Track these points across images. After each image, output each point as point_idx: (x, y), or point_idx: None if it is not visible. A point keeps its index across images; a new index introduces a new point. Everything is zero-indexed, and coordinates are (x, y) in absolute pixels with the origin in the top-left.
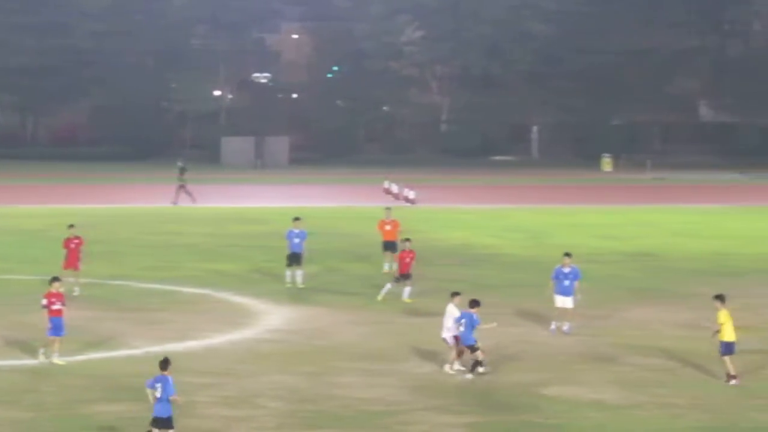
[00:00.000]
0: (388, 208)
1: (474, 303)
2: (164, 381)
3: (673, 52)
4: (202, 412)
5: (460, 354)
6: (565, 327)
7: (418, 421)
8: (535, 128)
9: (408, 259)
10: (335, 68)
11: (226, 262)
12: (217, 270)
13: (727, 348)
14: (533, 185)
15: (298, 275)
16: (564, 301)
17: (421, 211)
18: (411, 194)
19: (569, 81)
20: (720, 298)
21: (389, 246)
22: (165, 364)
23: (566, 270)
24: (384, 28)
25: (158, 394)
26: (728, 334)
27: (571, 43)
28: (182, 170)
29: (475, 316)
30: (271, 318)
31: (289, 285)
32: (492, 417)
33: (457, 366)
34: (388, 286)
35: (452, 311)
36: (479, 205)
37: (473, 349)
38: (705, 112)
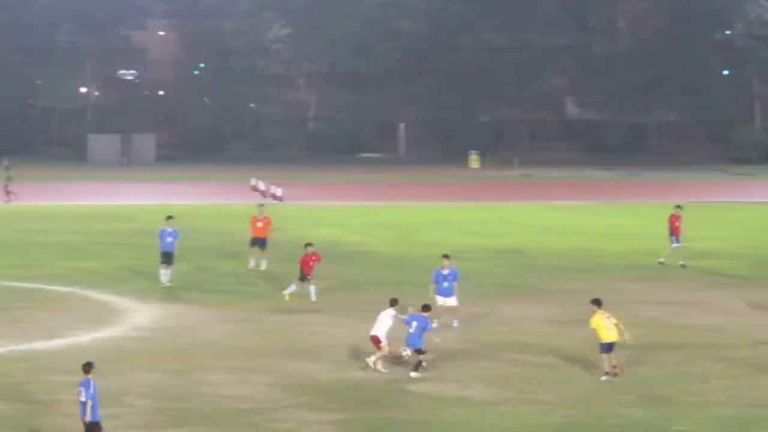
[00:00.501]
0: (260, 205)
1: (426, 308)
2: (87, 385)
3: (540, 50)
4: (68, 410)
5: (391, 355)
6: (455, 324)
7: (286, 419)
8: (402, 125)
9: (312, 262)
10: (202, 65)
11: (93, 260)
12: (83, 268)
13: (606, 347)
14: (401, 182)
15: (167, 274)
16: (446, 301)
17: (289, 209)
18: (278, 191)
19: (436, 78)
20: (596, 302)
21: (258, 242)
22: (88, 367)
23: (445, 272)
24: (251, 25)
25: (82, 398)
26: (606, 336)
27: (439, 41)
28: (7, 169)
29: (428, 320)
30: (138, 316)
31: (166, 285)
32: (360, 414)
33: (380, 366)
34: (293, 287)
35: (388, 315)
36: (347, 202)
37: (420, 352)
38: (571, 109)
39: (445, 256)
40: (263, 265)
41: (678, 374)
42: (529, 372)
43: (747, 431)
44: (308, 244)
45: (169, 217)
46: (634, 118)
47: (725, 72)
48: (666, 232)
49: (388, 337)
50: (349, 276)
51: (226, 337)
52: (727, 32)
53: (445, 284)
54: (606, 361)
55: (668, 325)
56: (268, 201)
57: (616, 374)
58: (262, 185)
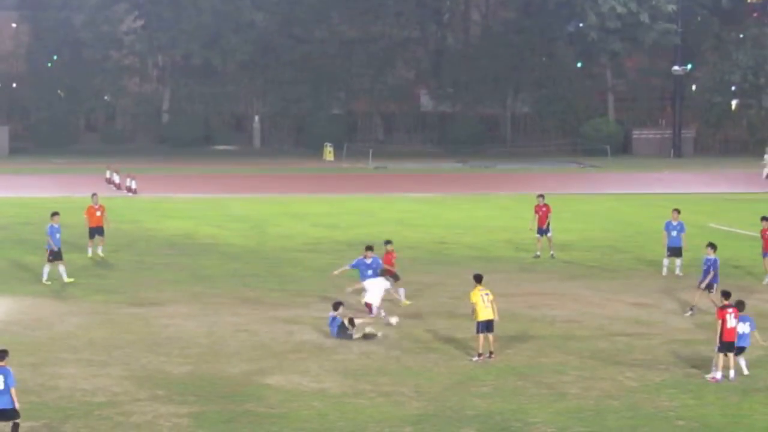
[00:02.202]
0: (94, 195)
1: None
2: (6, 372)
3: (393, 42)
4: None
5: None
6: (394, 319)
7: (141, 412)
8: (256, 118)
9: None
10: (55, 57)
11: None
12: None
13: (481, 326)
14: (255, 175)
15: (61, 271)
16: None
17: (143, 201)
18: (133, 184)
19: (290, 71)
20: (477, 278)
21: (97, 231)
22: (3, 354)
23: (368, 261)
24: (103, 17)
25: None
26: (482, 314)
27: (291, 33)
28: None
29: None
30: None
31: (47, 282)
32: (216, 406)
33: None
34: (401, 291)
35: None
36: (201, 194)
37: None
38: (425, 101)
39: (369, 248)
40: (100, 252)
41: (534, 366)
42: (385, 364)
43: (602, 422)
44: (387, 242)
45: (55, 213)
46: (488, 110)
47: (578, 64)
48: (531, 223)
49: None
50: (203, 268)
51: (81, 330)
52: (580, 25)
53: (369, 272)
54: (481, 341)
55: (524, 316)
56: (123, 194)
57: (490, 356)
58: (116, 177)
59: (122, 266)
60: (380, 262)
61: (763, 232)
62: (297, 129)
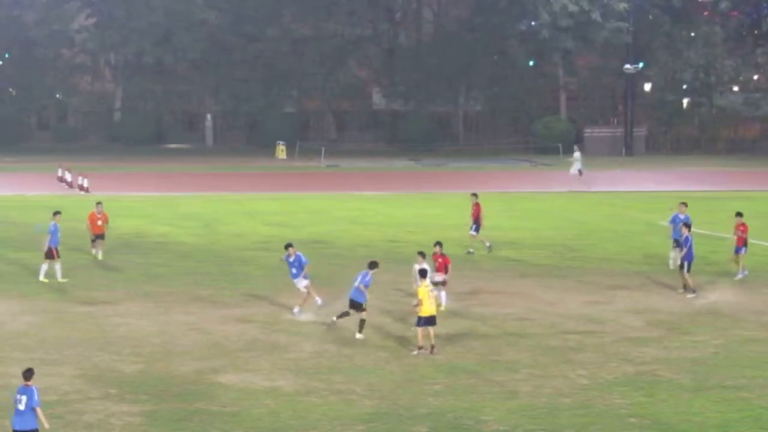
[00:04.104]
0: (99, 203)
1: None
2: (29, 393)
3: (345, 40)
4: None
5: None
6: (319, 301)
7: (93, 410)
8: (208, 116)
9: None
10: (6, 56)
11: None
12: None
13: (422, 321)
14: (207, 173)
15: (57, 269)
16: (297, 284)
17: (95, 200)
18: (85, 182)
19: (242, 69)
20: (422, 273)
21: (99, 237)
22: (29, 374)
23: (291, 259)
24: (54, 15)
25: (22, 407)
26: (425, 309)
27: (244, 31)
28: None
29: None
30: None
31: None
32: (168, 405)
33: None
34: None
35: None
36: (153, 193)
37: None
38: (378, 99)
39: (288, 245)
40: (100, 256)
41: (486, 364)
42: (338, 362)
43: (554, 420)
44: (437, 243)
45: (57, 213)
46: (440, 108)
47: (530, 63)
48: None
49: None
50: (155, 267)
51: (32, 328)
52: (533, 23)
53: (293, 270)
54: (420, 334)
55: (475, 314)
56: (75, 192)
57: (431, 350)
58: (68, 176)
59: (74, 265)
60: (303, 258)
61: (736, 228)
62: (249, 127)
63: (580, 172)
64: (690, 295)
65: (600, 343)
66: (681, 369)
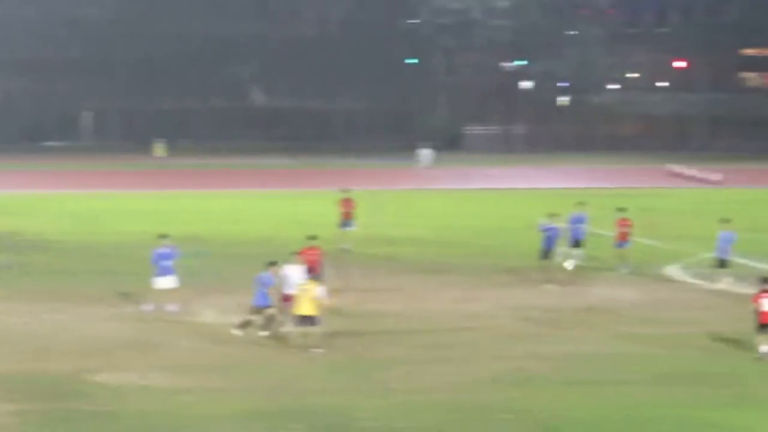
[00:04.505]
0: None
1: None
2: None
3: (226, 37)
4: None
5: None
6: (171, 307)
7: None
8: (87, 114)
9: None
10: None
11: None
12: None
13: (300, 320)
14: (84, 171)
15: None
16: (166, 282)
17: None
18: None
19: (121, 67)
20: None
21: None
22: None
23: (164, 251)
24: None
25: None
26: (299, 308)
27: (123, 28)
28: None
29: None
30: None
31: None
32: (41, 405)
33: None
34: None
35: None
36: (29, 190)
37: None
38: (257, 97)
39: (162, 236)
40: None
41: (362, 361)
42: (214, 360)
43: (428, 416)
44: (311, 238)
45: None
46: (321, 105)
47: (411, 60)
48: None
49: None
50: (30, 265)
51: None
52: (414, 21)
53: (166, 263)
54: (297, 334)
55: (352, 311)
56: None
57: (310, 349)
58: None
59: None
60: (177, 252)
61: (618, 223)
62: (127, 125)
63: (424, 168)
64: (549, 287)
65: (474, 339)
66: (555, 364)
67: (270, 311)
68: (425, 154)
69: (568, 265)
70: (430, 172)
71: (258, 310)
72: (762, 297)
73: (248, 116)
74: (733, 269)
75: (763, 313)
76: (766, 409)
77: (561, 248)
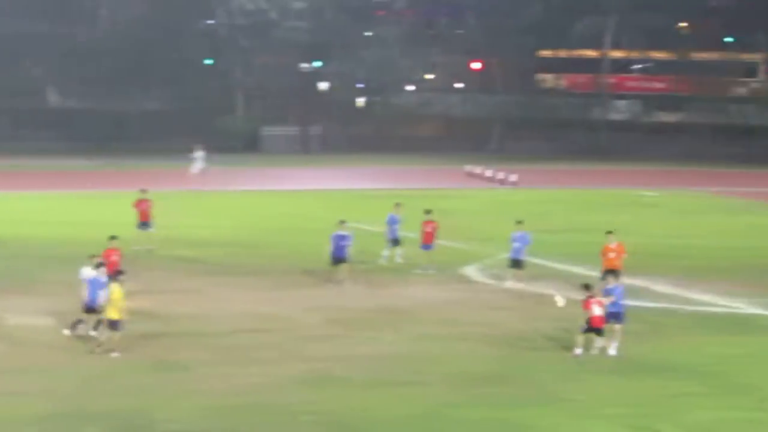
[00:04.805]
0: None
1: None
2: None
3: (21, 35)
4: None
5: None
6: None
7: None
8: None
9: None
10: None
11: None
12: None
13: (109, 323)
14: None
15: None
16: None
17: None
18: None
19: None
20: (116, 273)
21: None
22: None
23: None
24: None
25: None
26: (112, 312)
27: None
28: None
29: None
30: None
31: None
32: None
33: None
34: None
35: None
36: None
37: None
38: (53, 97)
39: None
40: None
41: (163, 363)
42: (10, 363)
43: (230, 419)
44: (112, 238)
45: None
46: (118, 106)
47: (208, 61)
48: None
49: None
50: None
51: None
52: (210, 21)
53: None
54: (105, 336)
55: (154, 313)
56: None
57: (108, 351)
58: None
59: None
60: None
61: (424, 225)
62: None
63: (200, 171)
64: (341, 286)
65: (275, 340)
66: (355, 366)
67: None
68: (199, 156)
69: (398, 259)
70: (204, 175)
71: (90, 310)
72: (591, 303)
73: (43, 117)
74: (528, 270)
75: (594, 318)
76: (566, 408)
77: (384, 250)
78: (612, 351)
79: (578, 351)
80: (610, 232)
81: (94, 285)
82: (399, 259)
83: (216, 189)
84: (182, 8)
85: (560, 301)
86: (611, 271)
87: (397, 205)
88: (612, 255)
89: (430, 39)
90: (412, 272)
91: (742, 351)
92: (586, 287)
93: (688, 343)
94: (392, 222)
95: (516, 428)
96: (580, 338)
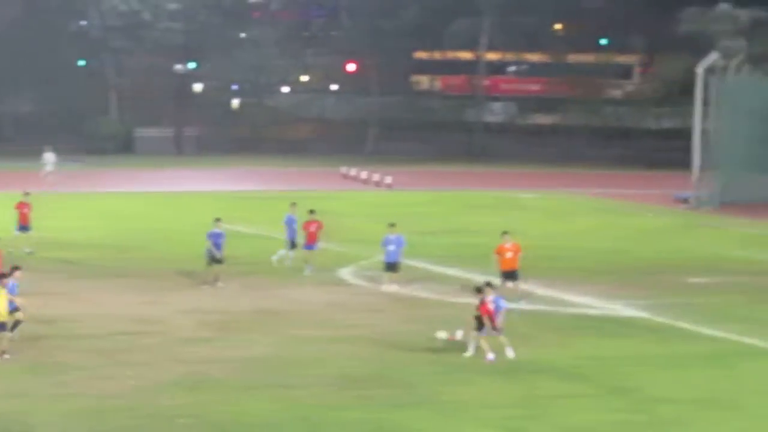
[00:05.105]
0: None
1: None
2: None
3: None
4: None
5: None
6: None
7: None
8: None
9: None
10: None
11: None
12: None
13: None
14: None
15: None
16: None
17: None
18: None
19: None
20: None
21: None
22: None
23: None
24: None
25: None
26: None
27: None
28: None
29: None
30: None
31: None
32: None
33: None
34: None
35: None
36: None
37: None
38: None
39: None
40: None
41: (37, 366)
42: None
43: (104, 422)
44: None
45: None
46: None
47: (81, 62)
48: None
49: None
50: None
51: None
52: (83, 23)
53: None
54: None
55: (31, 316)
56: None
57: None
58: None
59: None
60: None
61: (307, 225)
62: None
63: (49, 173)
64: (219, 284)
65: (151, 343)
66: (231, 368)
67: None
68: (48, 157)
69: (288, 262)
70: (56, 176)
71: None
72: (487, 304)
73: None
74: (404, 272)
75: (489, 314)
76: (441, 409)
77: (281, 250)
78: (510, 353)
79: (491, 356)
80: (505, 233)
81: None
82: (289, 262)
83: (90, 191)
84: (55, 10)
85: (443, 335)
86: (506, 274)
87: (293, 204)
88: (509, 255)
89: (305, 40)
90: (294, 273)
91: (619, 353)
92: (480, 290)
93: (565, 345)
94: (290, 222)
95: (391, 430)
96: (485, 342)
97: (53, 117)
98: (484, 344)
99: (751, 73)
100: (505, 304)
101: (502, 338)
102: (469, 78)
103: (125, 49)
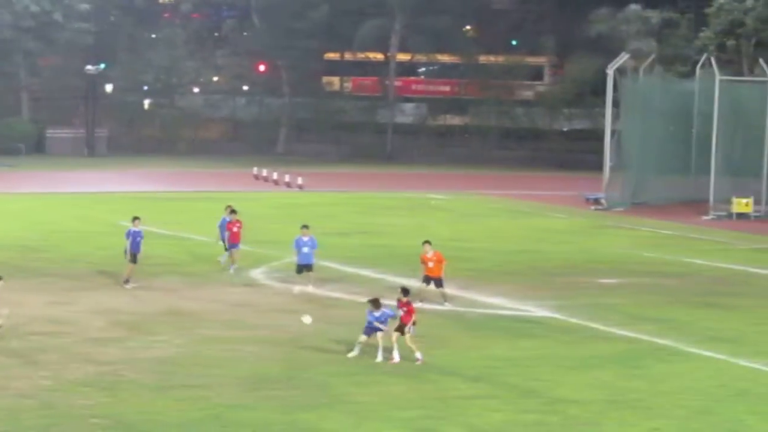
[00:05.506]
0: None
1: None
2: None
3: None
4: None
5: None
6: None
7: None
8: None
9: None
10: None
11: None
12: None
13: None
14: None
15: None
16: None
17: None
18: None
19: None
20: None
21: None
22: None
23: None
24: None
25: None
26: None
27: None
28: None
29: None
30: None
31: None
32: None
33: None
34: None
35: None
36: None
37: None
38: None
39: None
40: None
41: None
42: None
43: (16, 422)
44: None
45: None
46: None
47: None
48: None
49: None
50: None
51: None
52: None
53: None
54: None
55: None
56: None
57: None
58: None
59: None
60: None
61: (229, 225)
62: None
63: None
64: (128, 286)
65: (63, 344)
66: (143, 369)
67: None
68: None
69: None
70: None
71: None
72: (411, 306)
73: None
74: (316, 273)
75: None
76: (351, 410)
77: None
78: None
79: (418, 355)
80: (426, 242)
81: None
82: (223, 262)
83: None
84: None
85: (307, 319)
86: (428, 279)
87: (229, 207)
88: (431, 264)
89: (216, 41)
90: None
91: (531, 353)
92: (406, 292)
93: (476, 346)
94: (224, 224)
95: (303, 430)
96: (413, 344)
97: None
98: (412, 345)
99: (661, 74)
100: (391, 313)
101: (393, 341)
102: (380, 79)
103: (37, 49)
